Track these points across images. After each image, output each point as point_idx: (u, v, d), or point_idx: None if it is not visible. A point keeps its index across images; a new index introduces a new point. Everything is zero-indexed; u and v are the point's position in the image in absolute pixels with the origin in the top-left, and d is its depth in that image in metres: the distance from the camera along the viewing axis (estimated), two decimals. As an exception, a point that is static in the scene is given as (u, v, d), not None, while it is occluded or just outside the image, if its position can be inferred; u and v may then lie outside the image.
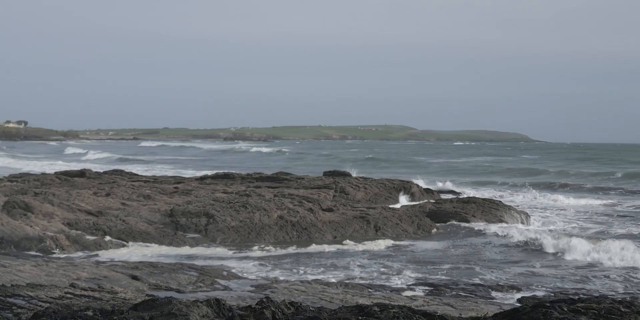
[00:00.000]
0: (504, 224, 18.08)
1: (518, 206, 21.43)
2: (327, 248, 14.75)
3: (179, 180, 25.57)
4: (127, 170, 30.57)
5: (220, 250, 14.50)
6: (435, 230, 17.45)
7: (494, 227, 17.14)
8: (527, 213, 19.50)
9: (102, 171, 30.95)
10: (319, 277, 11.39)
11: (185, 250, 14.49)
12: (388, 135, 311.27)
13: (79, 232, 15.26)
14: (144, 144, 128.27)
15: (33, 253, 13.38)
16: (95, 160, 58.40)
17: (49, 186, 25.24)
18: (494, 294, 9.86)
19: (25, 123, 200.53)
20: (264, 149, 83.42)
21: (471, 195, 23.77)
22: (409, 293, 9.96)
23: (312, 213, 16.86)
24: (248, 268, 12.35)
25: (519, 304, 9.18)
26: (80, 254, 13.78)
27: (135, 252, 14.21)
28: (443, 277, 11.18)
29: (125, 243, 14.79)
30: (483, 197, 23.13)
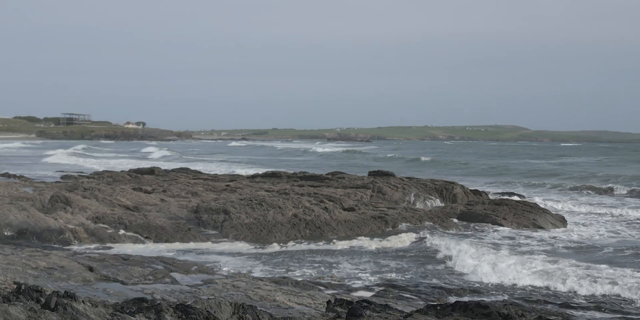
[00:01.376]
0: (536, 228, 17.32)
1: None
2: (339, 246, 14.78)
3: (232, 178, 26.41)
4: (193, 168, 31.90)
5: (228, 246, 14.94)
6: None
7: (506, 230, 16.49)
8: (563, 217, 18.49)
9: (170, 169, 32.60)
10: (296, 273, 11.56)
11: (193, 245, 15.04)
12: (498, 135, 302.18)
13: (103, 225, 16.23)
14: (233, 143, 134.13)
15: (51, 245, 14.39)
16: (180, 158, 61.23)
17: (118, 182, 26.98)
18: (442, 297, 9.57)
19: (144, 124, 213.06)
20: (337, 149, 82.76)
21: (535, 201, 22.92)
22: (362, 293, 9.90)
23: (327, 212, 16.95)
24: (236, 263, 12.71)
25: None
26: (95, 246, 14.64)
27: (146, 245, 14.92)
28: (403, 278, 10.95)
29: (140, 237, 15.58)
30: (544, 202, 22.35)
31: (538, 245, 14.75)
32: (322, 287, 10.11)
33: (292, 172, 25.53)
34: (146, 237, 15.62)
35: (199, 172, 30.74)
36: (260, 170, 38.86)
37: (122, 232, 15.51)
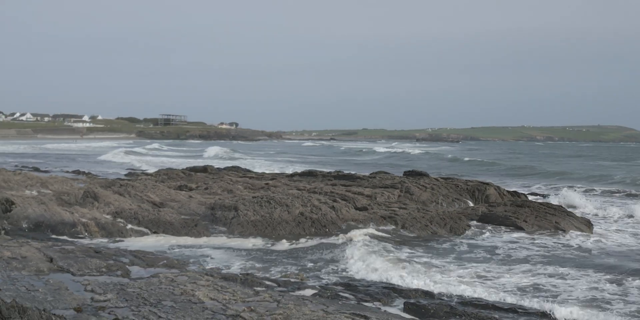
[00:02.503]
0: (558, 231, 16.48)
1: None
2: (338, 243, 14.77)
3: (274, 177, 26.78)
4: (248, 167, 32.58)
5: (229, 241, 15.21)
6: (469, 233, 16.44)
7: (514, 233, 15.72)
8: (589, 221, 17.44)
9: (222, 167, 33.45)
10: (274, 270, 11.70)
11: (196, 240, 15.42)
12: (600, 136, 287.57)
13: (120, 220, 16.93)
14: (307, 143, 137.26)
15: (60, 237, 15.17)
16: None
17: (172, 179, 28.10)
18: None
19: (237, 124, 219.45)
20: (398, 149, 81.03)
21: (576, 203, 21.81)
22: (300, 292, 9.83)
23: (333, 211, 16.87)
24: (221, 258, 12.98)
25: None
26: (103, 240, 15.31)
27: (150, 240, 15.44)
28: (357, 279, 10.74)
29: (148, 232, 16.14)
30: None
31: (536, 250, 13.97)
32: (273, 284, 10.13)
33: (327, 171, 25.56)
34: (154, 232, 16.18)
35: (248, 171, 31.39)
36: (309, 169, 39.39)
37: (129, 226, 16.12)
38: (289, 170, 34.31)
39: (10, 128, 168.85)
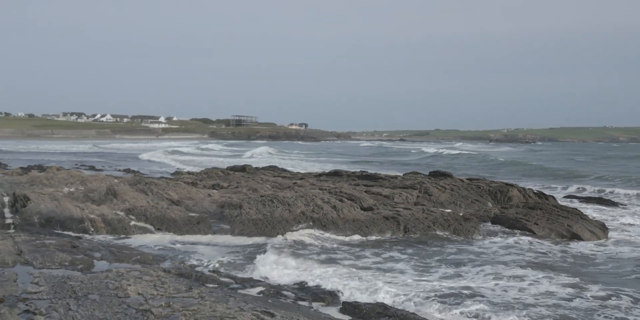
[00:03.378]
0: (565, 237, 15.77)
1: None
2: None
3: (303, 176, 26.89)
4: (280, 166, 32.83)
5: (225, 239, 15.45)
6: (473, 236, 15.98)
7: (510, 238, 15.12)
8: (603, 224, 16.58)
9: (261, 167, 33.86)
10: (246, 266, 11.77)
11: (196, 237, 15.73)
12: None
13: (131, 217, 17.43)
14: (365, 144, 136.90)
15: (67, 233, 15.77)
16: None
17: (210, 178, 28.77)
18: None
19: (306, 125, 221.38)
20: (451, 151, 78.37)
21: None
22: (248, 290, 9.85)
23: (335, 210, 16.77)
24: (207, 255, 13.19)
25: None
26: (109, 236, 15.78)
27: (154, 237, 15.84)
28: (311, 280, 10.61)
29: (152, 229, 16.54)
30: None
31: (527, 255, 13.38)
32: (230, 281, 10.24)
33: (352, 171, 25.44)
34: (158, 229, 16.58)
35: (284, 170, 31.63)
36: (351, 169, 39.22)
37: (133, 223, 16.56)
38: (327, 170, 34.35)
39: (90, 128, 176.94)
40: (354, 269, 11.18)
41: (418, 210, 17.06)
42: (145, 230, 16.38)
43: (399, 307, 8.69)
